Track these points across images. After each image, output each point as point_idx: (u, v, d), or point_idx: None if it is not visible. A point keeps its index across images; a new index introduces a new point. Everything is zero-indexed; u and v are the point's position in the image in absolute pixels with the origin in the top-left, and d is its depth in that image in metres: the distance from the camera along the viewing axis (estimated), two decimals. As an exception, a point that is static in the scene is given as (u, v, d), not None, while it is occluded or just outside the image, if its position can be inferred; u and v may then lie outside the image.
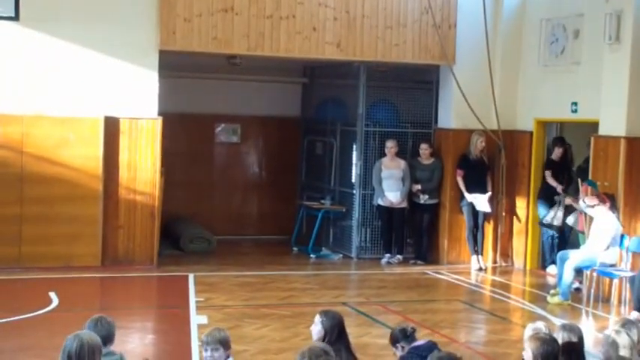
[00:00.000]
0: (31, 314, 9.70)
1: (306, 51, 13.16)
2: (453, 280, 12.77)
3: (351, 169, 14.50)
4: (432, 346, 5.93)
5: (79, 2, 12.20)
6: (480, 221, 13.73)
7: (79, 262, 12.21)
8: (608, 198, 11.19)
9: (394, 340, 6.17)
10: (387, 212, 13.89)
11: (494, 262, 14.01)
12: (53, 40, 12.08)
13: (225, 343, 5.43)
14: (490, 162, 13.86)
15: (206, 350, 5.43)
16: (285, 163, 16.10)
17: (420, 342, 6.14)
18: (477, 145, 13.60)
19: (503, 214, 13.87)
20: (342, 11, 13.24)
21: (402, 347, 6.11)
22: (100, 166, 12.26)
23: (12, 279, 11.57)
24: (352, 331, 9.33)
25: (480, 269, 13.57)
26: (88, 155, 12.23)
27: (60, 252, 12.16)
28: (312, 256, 14.23)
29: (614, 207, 11.14)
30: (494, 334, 9.75)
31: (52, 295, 10.56)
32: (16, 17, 11.87)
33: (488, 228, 13.95)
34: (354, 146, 14.30)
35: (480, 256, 13.70)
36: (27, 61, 12.05)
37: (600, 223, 11.14)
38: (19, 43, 12.00)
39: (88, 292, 11.57)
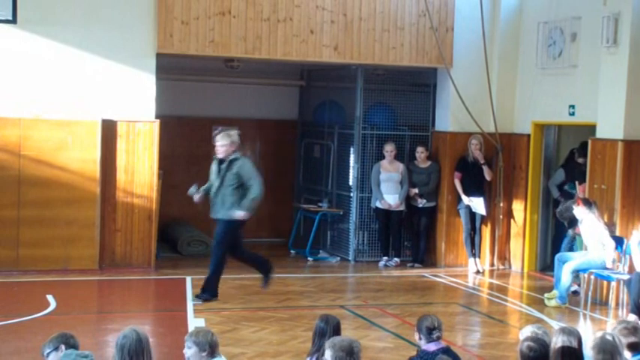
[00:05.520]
0: (29, 317, 9.68)
1: (303, 54, 13.16)
2: (451, 283, 12.77)
3: (348, 172, 14.50)
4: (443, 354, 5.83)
5: (76, 5, 12.19)
6: (477, 224, 13.73)
7: (77, 265, 12.20)
8: (586, 203, 11.19)
9: (418, 329, 6.27)
10: (385, 215, 13.89)
11: (492, 264, 14.01)
12: (51, 43, 12.08)
13: (200, 345, 5.51)
14: (488, 165, 13.85)
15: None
16: (283, 166, 16.09)
17: (433, 346, 6.10)
18: (475, 148, 13.60)
19: (501, 216, 13.88)
20: (339, 14, 13.24)
21: (420, 338, 6.22)
22: (97, 169, 12.25)
23: (10, 282, 11.56)
24: (350, 333, 9.37)
25: (478, 272, 13.58)
26: (86, 158, 12.22)
27: (57, 255, 12.15)
28: (309, 258, 14.23)
29: (590, 209, 11.10)
30: (492, 337, 9.75)
31: (50, 298, 10.55)
32: (13, 20, 11.84)
33: (486, 231, 13.96)
34: (352, 149, 14.30)
35: (477, 259, 13.71)
36: (24, 64, 12.05)
37: (587, 228, 11.20)
38: (16, 46, 11.99)
39: (85, 295, 11.55)
